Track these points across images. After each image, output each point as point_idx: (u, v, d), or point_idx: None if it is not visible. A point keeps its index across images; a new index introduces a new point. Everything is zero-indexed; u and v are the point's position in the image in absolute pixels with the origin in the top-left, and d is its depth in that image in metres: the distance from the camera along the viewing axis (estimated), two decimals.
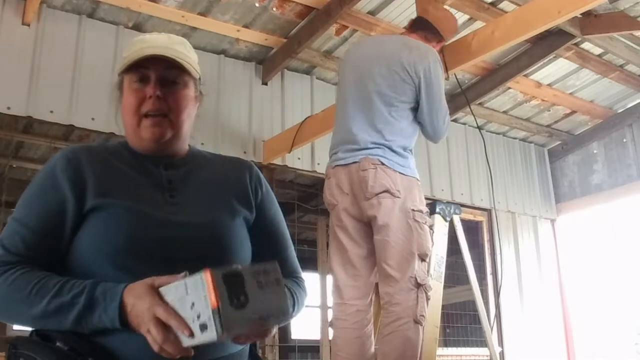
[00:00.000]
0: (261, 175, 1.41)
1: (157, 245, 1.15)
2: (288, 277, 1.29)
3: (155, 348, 0.98)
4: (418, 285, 2.34)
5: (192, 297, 0.95)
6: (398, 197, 2.40)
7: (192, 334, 0.95)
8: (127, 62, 1.26)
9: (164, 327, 0.98)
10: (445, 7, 3.17)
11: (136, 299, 1.02)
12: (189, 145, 1.38)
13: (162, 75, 1.25)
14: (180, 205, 1.24)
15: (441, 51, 2.79)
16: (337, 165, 2.54)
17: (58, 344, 1.08)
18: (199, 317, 0.94)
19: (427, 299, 2.39)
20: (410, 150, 2.54)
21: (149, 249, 1.14)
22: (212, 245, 1.20)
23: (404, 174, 2.45)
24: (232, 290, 0.93)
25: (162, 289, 1.02)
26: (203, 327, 0.93)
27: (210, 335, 0.92)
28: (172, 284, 1.00)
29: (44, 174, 1.23)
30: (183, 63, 1.26)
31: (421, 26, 2.73)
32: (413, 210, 2.41)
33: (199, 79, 1.36)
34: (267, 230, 1.34)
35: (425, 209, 2.51)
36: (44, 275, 1.10)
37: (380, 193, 2.39)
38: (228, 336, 0.93)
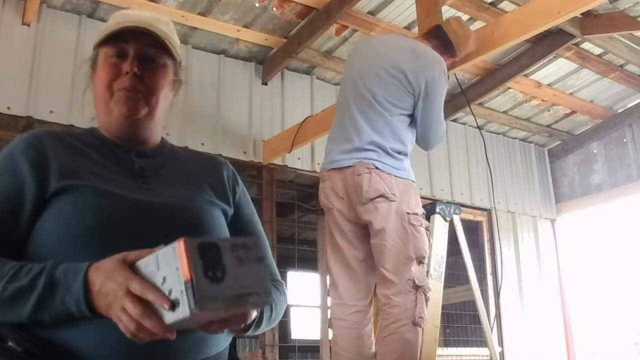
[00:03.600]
0: (237, 175, 1.34)
1: (129, 228, 1.06)
2: None
3: (132, 327, 0.87)
4: (416, 287, 2.34)
5: (164, 270, 0.85)
6: (393, 201, 2.39)
7: (172, 308, 0.84)
8: (105, 33, 1.18)
9: (141, 302, 0.86)
10: (445, 7, 3.16)
11: (105, 277, 0.90)
12: (162, 137, 1.30)
13: (142, 51, 1.18)
14: (154, 190, 1.16)
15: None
16: (332, 169, 2.52)
17: (10, 344, 0.96)
18: (170, 292, 0.84)
19: (427, 300, 2.38)
20: (406, 154, 2.52)
21: (120, 232, 1.04)
22: (189, 230, 1.08)
23: (399, 177, 2.43)
24: (207, 263, 0.83)
25: (137, 264, 0.90)
26: (175, 304, 0.83)
27: (183, 311, 0.82)
28: (145, 258, 0.90)
29: (3, 157, 1.13)
30: (165, 42, 1.19)
31: (438, 36, 2.67)
32: (408, 213, 2.40)
33: (180, 63, 1.27)
34: (244, 231, 1.27)
35: (421, 211, 2.49)
36: None
37: (376, 198, 2.37)
38: (202, 314, 0.83)
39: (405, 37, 2.70)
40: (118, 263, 0.91)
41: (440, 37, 2.67)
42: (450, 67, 2.74)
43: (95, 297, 0.92)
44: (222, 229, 1.19)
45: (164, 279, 0.85)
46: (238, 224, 1.26)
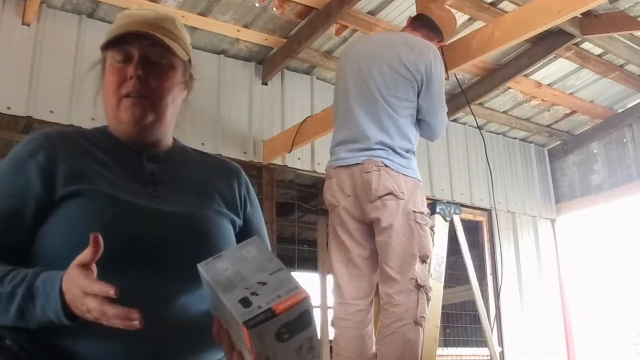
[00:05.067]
0: (249, 182, 1.33)
1: (136, 234, 1.06)
2: None
3: (102, 319, 0.88)
4: (419, 287, 2.34)
5: (271, 280, 0.89)
6: (402, 199, 2.39)
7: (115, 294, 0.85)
8: (109, 36, 1.17)
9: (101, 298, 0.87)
10: (446, 7, 3.16)
11: (68, 283, 0.91)
12: (174, 138, 1.30)
13: (146, 53, 1.16)
14: (164, 198, 1.15)
15: (440, 50, 2.79)
16: (339, 166, 2.53)
17: (7, 342, 0.97)
18: (254, 294, 0.87)
19: (428, 300, 2.39)
20: (413, 153, 2.53)
21: (127, 240, 1.04)
22: (197, 240, 1.10)
23: (407, 176, 2.44)
24: (292, 325, 0.87)
25: (253, 240, 0.97)
26: (246, 302, 0.86)
27: (241, 314, 0.85)
28: (268, 249, 0.96)
29: (11, 157, 1.13)
30: (169, 42, 1.17)
31: (424, 24, 2.72)
32: (414, 211, 2.40)
33: (189, 61, 1.25)
34: None
35: (427, 210, 2.50)
36: None
37: (385, 195, 2.38)
38: (242, 333, 0.86)
39: (394, 32, 2.72)
40: (72, 268, 0.91)
41: (427, 25, 2.72)
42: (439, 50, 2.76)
43: (69, 304, 0.92)
44: (229, 241, 1.18)
45: (264, 284, 0.89)
46: (245, 235, 1.24)
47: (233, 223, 1.22)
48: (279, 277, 0.91)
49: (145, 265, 1.03)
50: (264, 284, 0.89)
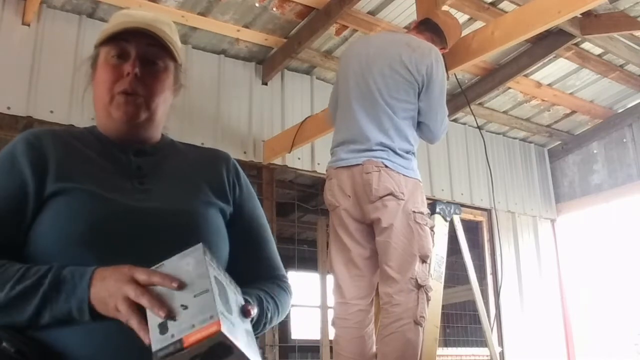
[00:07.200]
0: (239, 168, 1.31)
1: (122, 234, 1.05)
2: (270, 276, 1.22)
3: (131, 317, 0.88)
4: (419, 287, 2.34)
5: (193, 304, 0.86)
6: (402, 199, 2.39)
7: (168, 316, 0.85)
8: (107, 33, 1.17)
9: (136, 308, 0.88)
10: (445, 7, 3.17)
11: (104, 279, 0.92)
12: (162, 134, 1.30)
13: (143, 52, 1.17)
14: (150, 192, 1.14)
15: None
16: (340, 167, 2.53)
17: (4, 344, 0.96)
18: (172, 319, 0.85)
19: (428, 299, 2.39)
20: (413, 154, 2.53)
21: (113, 238, 1.04)
22: (185, 235, 1.07)
23: (407, 176, 2.44)
24: (206, 356, 0.83)
25: (196, 249, 0.92)
26: (163, 328, 0.84)
27: (155, 341, 0.83)
28: (204, 263, 0.90)
29: (3, 157, 1.13)
30: (167, 43, 1.18)
31: (429, 28, 2.71)
32: (414, 212, 2.41)
33: (181, 65, 1.26)
34: (246, 227, 1.25)
35: (427, 211, 2.50)
36: (4, 262, 1.00)
37: (385, 196, 2.38)
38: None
39: (397, 33, 2.71)
40: (118, 268, 0.92)
41: (432, 29, 2.71)
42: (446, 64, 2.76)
43: (95, 298, 0.93)
44: (218, 233, 1.17)
45: (186, 307, 0.86)
46: (239, 221, 1.24)
47: (223, 212, 1.21)
48: (201, 302, 0.86)
49: (133, 263, 1.03)
50: (186, 307, 0.86)
